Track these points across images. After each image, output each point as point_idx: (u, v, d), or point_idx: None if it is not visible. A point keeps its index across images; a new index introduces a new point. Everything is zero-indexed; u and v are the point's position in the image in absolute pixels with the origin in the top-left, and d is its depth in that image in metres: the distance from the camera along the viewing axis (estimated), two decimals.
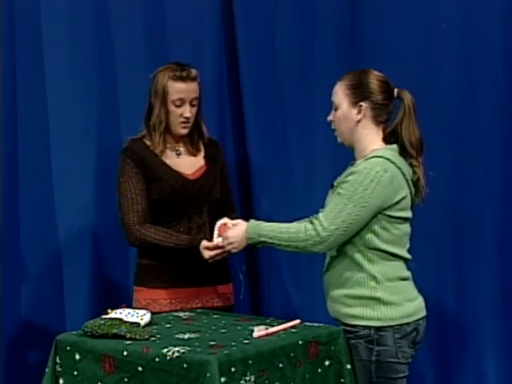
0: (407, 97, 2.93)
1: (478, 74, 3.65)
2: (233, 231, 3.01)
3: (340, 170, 3.09)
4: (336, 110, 2.97)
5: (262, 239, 2.90)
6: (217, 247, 3.16)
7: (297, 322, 2.93)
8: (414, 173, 2.90)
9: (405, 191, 2.88)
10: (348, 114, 2.93)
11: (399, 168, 2.86)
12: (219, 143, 3.54)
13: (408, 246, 2.95)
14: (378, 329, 2.83)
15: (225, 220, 3.19)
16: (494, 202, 3.67)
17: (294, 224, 2.89)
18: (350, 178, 2.83)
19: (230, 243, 3.00)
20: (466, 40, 3.66)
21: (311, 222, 2.83)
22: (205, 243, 3.19)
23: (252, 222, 2.96)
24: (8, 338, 3.66)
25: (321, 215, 2.83)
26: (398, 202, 2.85)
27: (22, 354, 3.70)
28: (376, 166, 2.82)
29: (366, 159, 2.86)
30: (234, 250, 3.02)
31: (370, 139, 2.93)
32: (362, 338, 2.84)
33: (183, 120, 3.32)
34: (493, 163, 3.66)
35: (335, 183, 3.01)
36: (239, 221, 3.06)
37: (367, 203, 2.80)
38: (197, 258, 3.20)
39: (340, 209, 2.80)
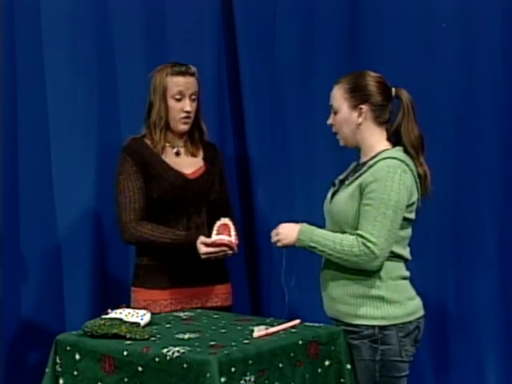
0: (405, 95, 2.93)
1: (478, 74, 3.65)
2: (286, 226, 2.94)
3: (340, 170, 3.10)
4: (336, 113, 2.96)
5: (313, 245, 2.87)
6: (213, 245, 3.16)
7: (297, 322, 2.93)
8: (418, 174, 2.90)
9: (417, 193, 2.90)
10: (349, 117, 2.93)
11: (411, 170, 2.87)
12: (217, 146, 3.54)
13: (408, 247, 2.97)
14: (383, 328, 2.84)
15: (225, 220, 3.20)
16: (494, 201, 3.67)
17: (349, 237, 2.83)
18: (372, 186, 2.81)
19: (277, 234, 2.94)
20: (466, 40, 3.66)
21: (357, 240, 2.80)
22: (202, 238, 3.19)
23: (306, 225, 2.91)
24: (8, 338, 3.66)
25: (364, 233, 2.78)
26: (411, 204, 2.87)
27: (22, 354, 3.70)
28: (396, 169, 2.82)
29: (380, 160, 2.86)
30: (278, 244, 2.94)
31: (375, 139, 2.94)
32: (365, 337, 2.85)
33: (184, 115, 3.32)
34: (493, 163, 3.66)
35: (337, 181, 3.02)
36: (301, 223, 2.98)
37: (402, 205, 2.82)
38: (195, 257, 3.21)
39: (381, 219, 2.78)
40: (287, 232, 2.92)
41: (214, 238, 3.17)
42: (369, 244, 2.77)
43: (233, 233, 3.19)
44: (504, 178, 3.66)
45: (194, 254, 3.21)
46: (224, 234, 3.19)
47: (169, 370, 2.54)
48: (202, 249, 3.19)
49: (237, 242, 3.20)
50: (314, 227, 2.91)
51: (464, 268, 3.70)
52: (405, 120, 2.91)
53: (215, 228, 3.20)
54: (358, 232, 2.80)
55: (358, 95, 2.91)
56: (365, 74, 2.95)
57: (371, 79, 2.93)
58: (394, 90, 2.94)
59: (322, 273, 3.00)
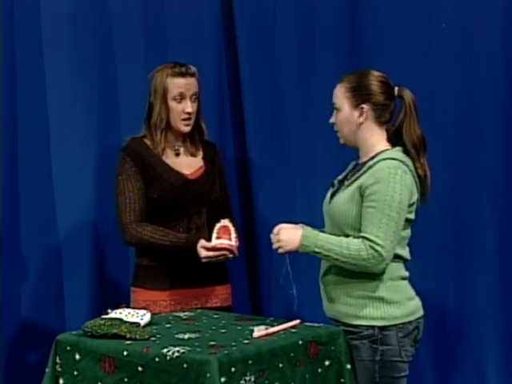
0: (408, 95, 2.92)
1: (478, 74, 3.65)
2: (287, 233, 2.88)
3: (340, 170, 3.10)
4: (338, 112, 2.96)
5: (317, 250, 2.83)
6: (214, 249, 3.16)
7: (297, 322, 2.93)
8: (418, 174, 2.90)
9: (416, 194, 2.90)
10: (350, 116, 2.92)
11: (411, 171, 2.87)
12: (217, 146, 3.54)
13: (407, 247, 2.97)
14: (382, 328, 2.84)
15: (225, 222, 3.19)
16: (494, 202, 3.67)
17: (354, 240, 2.81)
18: (374, 188, 2.79)
19: (279, 241, 2.89)
20: (466, 40, 3.66)
21: (363, 243, 2.78)
22: (203, 242, 3.19)
23: (309, 230, 2.88)
24: (8, 338, 3.66)
25: (370, 236, 2.76)
26: (412, 204, 2.87)
27: (22, 354, 3.70)
28: (397, 169, 2.81)
29: (379, 161, 2.85)
30: (280, 251, 2.90)
31: (375, 140, 2.93)
32: (365, 338, 2.84)
33: (185, 116, 3.32)
34: (493, 163, 3.66)
35: (336, 181, 3.02)
36: (300, 225, 2.93)
37: (405, 206, 2.81)
38: (195, 258, 3.20)
39: (386, 221, 2.77)
40: (289, 238, 2.88)
41: (215, 242, 3.16)
42: (377, 247, 2.76)
43: (233, 235, 3.18)
44: (504, 178, 3.66)
45: (195, 257, 3.21)
46: (224, 236, 3.17)
47: (169, 369, 2.54)
48: (203, 253, 3.19)
49: (237, 244, 3.19)
50: (316, 231, 2.89)
51: (464, 268, 3.70)
52: (406, 120, 2.91)
53: (215, 231, 3.19)
54: (364, 235, 2.79)
55: (359, 94, 2.90)
56: (368, 73, 2.94)
57: (374, 78, 2.92)
58: (396, 89, 2.94)
59: (322, 278, 2.98)
